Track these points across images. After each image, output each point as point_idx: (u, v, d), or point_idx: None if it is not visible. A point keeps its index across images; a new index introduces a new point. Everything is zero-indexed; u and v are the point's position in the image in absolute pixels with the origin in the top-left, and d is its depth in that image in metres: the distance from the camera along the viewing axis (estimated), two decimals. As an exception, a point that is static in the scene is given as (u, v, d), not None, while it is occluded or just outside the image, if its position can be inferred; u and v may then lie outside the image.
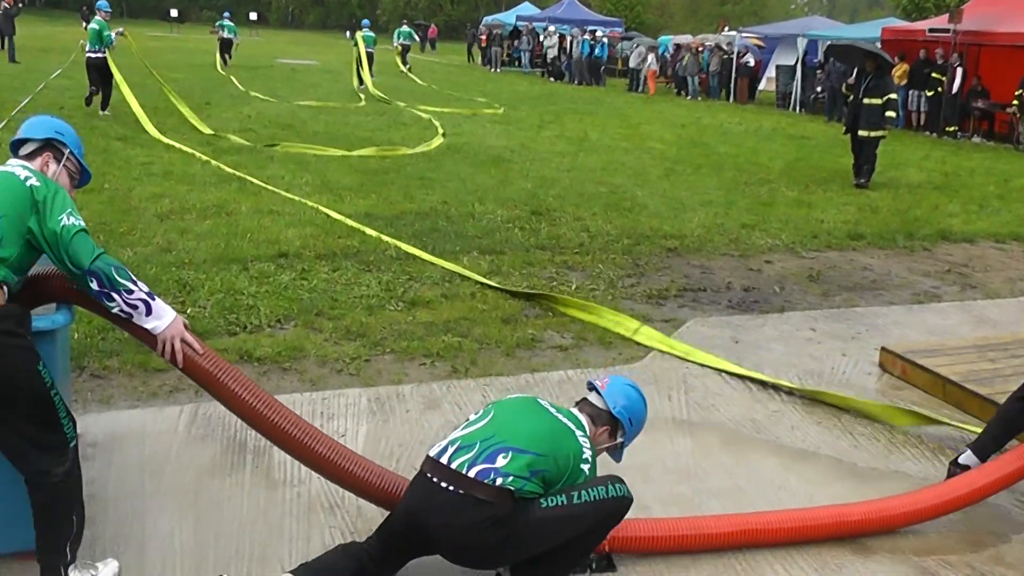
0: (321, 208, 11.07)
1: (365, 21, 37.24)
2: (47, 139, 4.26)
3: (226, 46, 37.53)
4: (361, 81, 29.87)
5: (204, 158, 14.11)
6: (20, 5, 36.85)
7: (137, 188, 11.84)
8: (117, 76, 18.93)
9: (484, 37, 49.19)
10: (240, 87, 27.12)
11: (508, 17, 54.57)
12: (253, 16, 75.41)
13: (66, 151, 4.29)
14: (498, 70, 45.20)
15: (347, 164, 14.50)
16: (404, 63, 39.95)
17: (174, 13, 72.99)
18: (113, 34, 19.22)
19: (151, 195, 11.45)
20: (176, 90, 21.28)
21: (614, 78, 42.00)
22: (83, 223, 3.84)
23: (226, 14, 41.21)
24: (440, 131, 19.56)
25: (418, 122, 20.89)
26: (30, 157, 4.17)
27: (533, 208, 11.94)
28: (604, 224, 11.34)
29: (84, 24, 45.81)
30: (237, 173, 12.99)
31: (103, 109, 18.98)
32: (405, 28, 43.31)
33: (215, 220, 10.38)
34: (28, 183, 3.83)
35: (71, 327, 4.72)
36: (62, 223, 3.74)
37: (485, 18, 60.14)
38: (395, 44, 41.41)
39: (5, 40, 33.53)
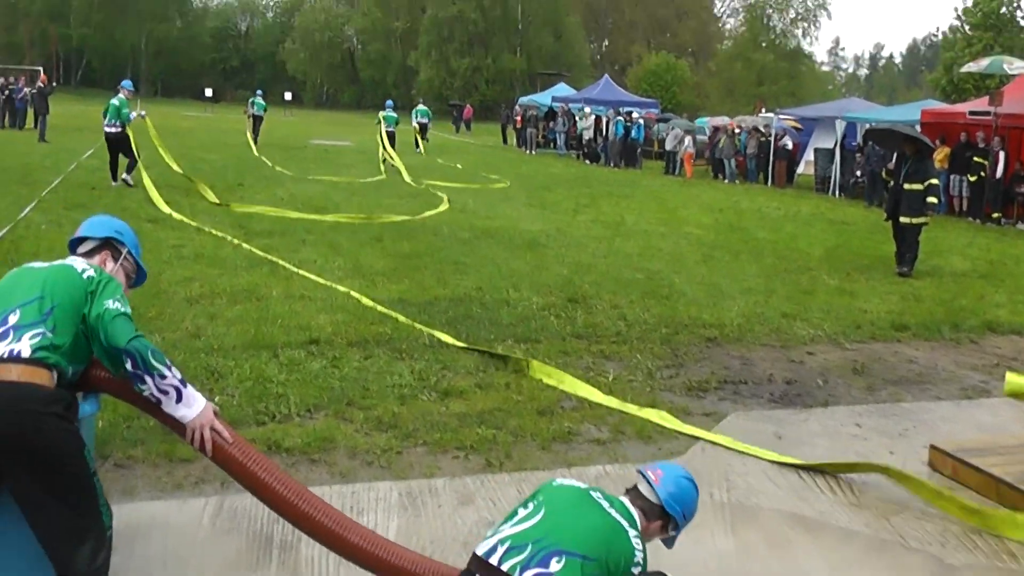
0: (353, 293, 11.08)
1: (388, 102, 37.92)
2: (106, 238, 4.49)
3: (257, 124, 38.13)
4: (386, 159, 30.27)
5: (236, 241, 14.21)
6: (54, 84, 37.59)
7: (167, 271, 11.88)
8: (135, 152, 19.89)
9: (519, 118, 49.10)
10: (273, 167, 27.46)
11: (544, 98, 54.60)
12: (288, 96, 77.04)
13: (124, 251, 4.50)
14: (533, 152, 45.23)
15: (380, 248, 14.54)
16: (423, 139, 40.60)
17: (208, 92, 74.82)
18: (133, 113, 20.37)
19: (181, 279, 11.51)
20: (209, 170, 21.63)
21: (650, 160, 42.07)
22: (128, 310, 3.95)
23: (259, 92, 41.94)
24: (446, 201, 20.08)
25: (450, 204, 20.99)
26: (89, 255, 4.42)
27: (569, 295, 11.89)
28: (641, 312, 11.26)
29: None
30: (269, 257, 13.04)
31: (128, 172, 20.14)
32: (422, 107, 44.28)
33: (245, 305, 10.39)
34: (85, 275, 4.00)
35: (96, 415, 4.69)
36: (106, 306, 3.86)
37: (520, 99, 60.07)
38: (413, 123, 42.01)
39: (38, 119, 34.21)
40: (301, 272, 12.15)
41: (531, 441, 6.88)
